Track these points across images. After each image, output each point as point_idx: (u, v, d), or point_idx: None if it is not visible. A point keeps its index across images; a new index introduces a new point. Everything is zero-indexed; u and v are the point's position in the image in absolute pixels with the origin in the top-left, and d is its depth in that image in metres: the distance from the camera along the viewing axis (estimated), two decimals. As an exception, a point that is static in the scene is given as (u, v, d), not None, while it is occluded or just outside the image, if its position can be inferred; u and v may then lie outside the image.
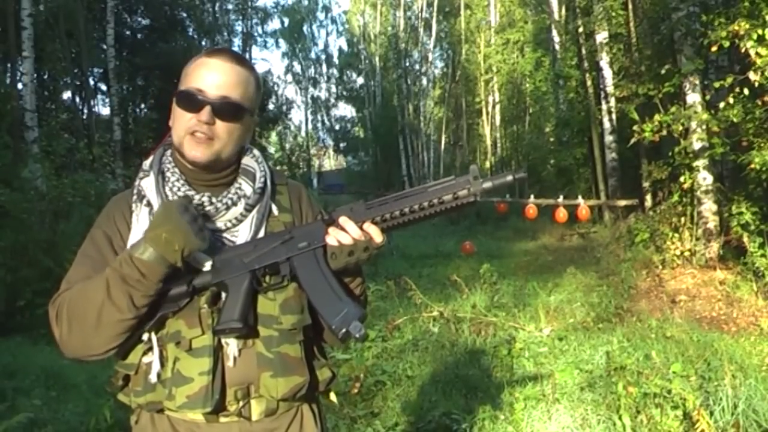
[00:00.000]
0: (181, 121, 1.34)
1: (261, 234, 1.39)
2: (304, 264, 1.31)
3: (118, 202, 1.42)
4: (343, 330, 1.27)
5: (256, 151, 1.46)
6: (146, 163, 1.42)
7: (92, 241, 1.37)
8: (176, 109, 1.35)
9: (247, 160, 1.43)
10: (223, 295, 1.32)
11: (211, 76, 1.33)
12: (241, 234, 1.37)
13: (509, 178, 1.30)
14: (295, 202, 1.49)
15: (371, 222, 1.31)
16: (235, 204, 1.36)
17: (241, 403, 1.33)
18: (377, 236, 1.30)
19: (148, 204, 1.36)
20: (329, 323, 1.29)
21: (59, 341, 1.28)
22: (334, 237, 1.30)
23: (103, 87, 18.84)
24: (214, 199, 1.35)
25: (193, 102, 1.32)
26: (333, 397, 1.51)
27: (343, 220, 1.31)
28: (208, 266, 1.31)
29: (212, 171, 1.37)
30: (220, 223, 1.36)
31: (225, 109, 1.33)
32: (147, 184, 1.38)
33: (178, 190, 1.35)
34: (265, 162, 1.47)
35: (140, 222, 1.35)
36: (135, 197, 1.38)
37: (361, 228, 1.30)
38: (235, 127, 1.36)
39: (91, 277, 1.30)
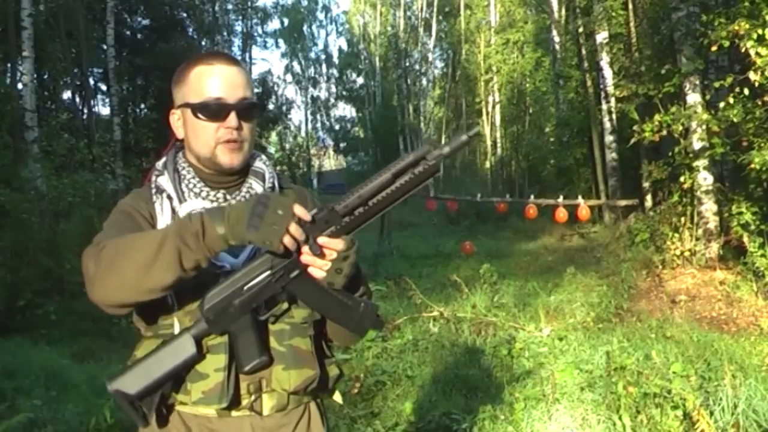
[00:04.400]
0: (206, 132, 1.36)
1: None
2: (301, 286, 1.30)
3: (140, 192, 1.44)
4: (363, 329, 1.33)
5: (263, 155, 1.50)
6: (159, 164, 1.44)
7: (123, 213, 1.38)
8: (196, 121, 1.37)
9: (256, 162, 1.47)
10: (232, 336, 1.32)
11: (222, 82, 1.36)
12: None
13: (464, 138, 1.27)
14: (301, 205, 1.50)
15: (335, 230, 1.26)
16: None
17: (252, 397, 1.34)
18: (337, 246, 1.25)
19: (169, 197, 1.38)
20: (348, 329, 1.34)
21: (90, 282, 1.23)
22: (314, 269, 1.27)
23: (103, 87, 18.81)
24: (228, 197, 1.38)
25: (217, 111, 1.35)
26: (338, 396, 1.53)
27: (305, 258, 1.26)
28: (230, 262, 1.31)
29: (231, 173, 1.40)
30: None
31: (247, 110, 1.38)
32: (163, 181, 1.40)
33: (194, 186, 1.38)
34: (272, 165, 1.50)
35: (164, 212, 1.37)
36: (154, 191, 1.40)
37: (321, 248, 1.25)
38: (254, 125, 1.42)
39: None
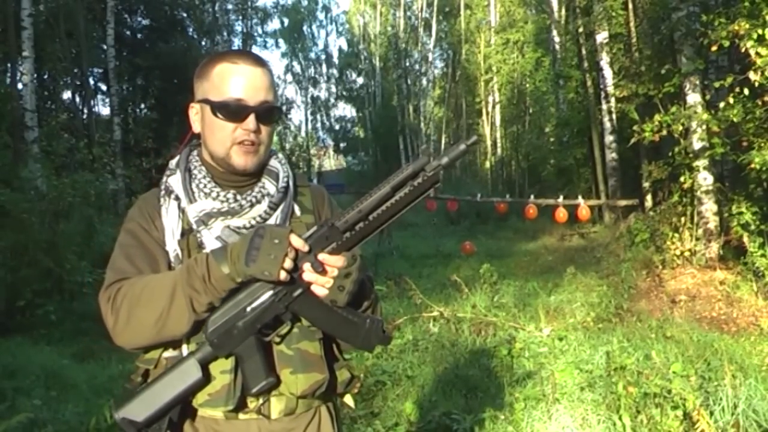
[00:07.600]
0: (224, 131, 1.35)
1: None
2: (305, 304, 1.29)
3: (146, 199, 1.44)
4: (370, 345, 1.34)
5: (280, 154, 1.49)
6: (172, 163, 1.44)
7: (129, 233, 1.39)
8: (214, 120, 1.36)
9: (271, 161, 1.46)
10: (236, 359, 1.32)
11: (245, 82, 1.35)
12: None
13: (462, 147, 1.27)
14: (318, 205, 1.50)
15: (336, 246, 1.26)
16: (259, 202, 1.38)
17: (260, 401, 1.34)
18: (338, 263, 1.25)
19: (177, 198, 1.38)
20: (354, 345, 1.35)
21: (112, 331, 1.29)
22: (317, 286, 1.27)
23: (103, 87, 18.77)
24: (239, 197, 1.37)
25: (237, 112, 1.34)
26: (349, 399, 1.51)
27: (307, 276, 1.26)
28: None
29: (245, 173, 1.39)
30: (244, 221, 1.36)
31: (267, 114, 1.37)
32: (174, 181, 1.40)
33: (204, 186, 1.37)
34: (288, 164, 1.49)
35: (170, 214, 1.37)
36: (163, 192, 1.40)
37: (322, 265, 1.25)
38: (273, 128, 1.41)
39: (137, 265, 1.32)
